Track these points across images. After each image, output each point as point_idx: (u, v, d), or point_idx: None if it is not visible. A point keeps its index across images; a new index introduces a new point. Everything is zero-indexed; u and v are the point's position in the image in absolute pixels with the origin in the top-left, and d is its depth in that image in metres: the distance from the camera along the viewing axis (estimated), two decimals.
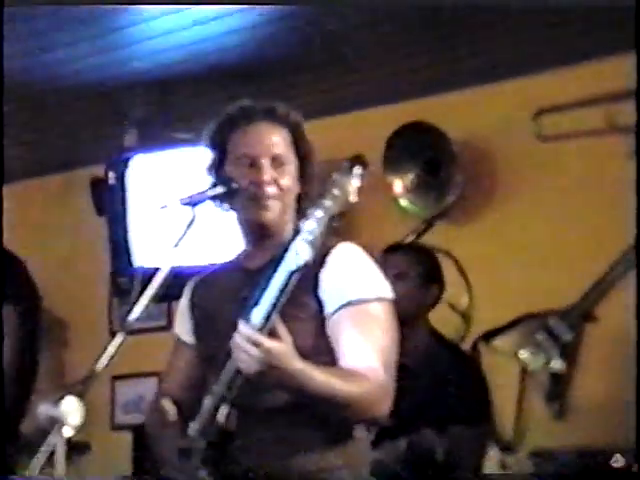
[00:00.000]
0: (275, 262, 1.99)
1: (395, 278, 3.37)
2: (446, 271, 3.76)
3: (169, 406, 2.26)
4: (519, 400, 4.07)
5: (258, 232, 2.31)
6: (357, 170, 1.91)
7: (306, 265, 1.91)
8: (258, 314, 1.97)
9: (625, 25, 3.64)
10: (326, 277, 2.18)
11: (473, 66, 4.17)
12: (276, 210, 2.27)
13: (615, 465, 3.51)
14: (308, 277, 2.06)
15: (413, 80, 4.29)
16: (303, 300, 2.07)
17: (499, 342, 4.12)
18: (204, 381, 2.27)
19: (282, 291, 1.94)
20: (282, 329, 1.99)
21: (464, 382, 3.35)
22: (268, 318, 1.96)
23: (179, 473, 2.15)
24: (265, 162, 2.27)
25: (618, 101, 3.98)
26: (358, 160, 1.91)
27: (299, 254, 1.90)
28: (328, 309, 2.19)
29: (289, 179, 2.29)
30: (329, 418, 2.16)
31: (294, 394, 2.08)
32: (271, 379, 2.01)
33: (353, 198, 1.90)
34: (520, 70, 4.16)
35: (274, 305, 1.95)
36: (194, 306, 2.42)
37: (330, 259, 2.19)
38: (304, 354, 2.04)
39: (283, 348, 1.98)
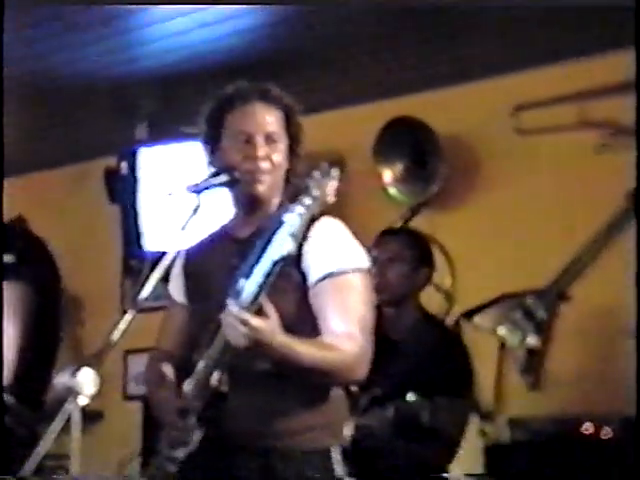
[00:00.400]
0: (262, 232, 2.02)
1: (389, 261, 3.37)
2: None
3: (168, 370, 2.27)
4: (497, 373, 4.09)
5: (250, 203, 2.31)
6: (334, 172, 1.93)
7: (289, 255, 1.93)
8: (247, 291, 1.99)
9: (600, 26, 3.67)
10: (309, 250, 2.19)
11: (457, 65, 4.17)
12: (268, 183, 2.28)
13: (585, 432, 3.54)
14: None
15: (402, 78, 4.29)
16: (287, 272, 2.08)
17: (479, 319, 4.13)
18: (196, 339, 2.27)
19: (267, 277, 1.96)
20: (269, 307, 2.01)
21: (450, 357, 3.34)
22: (256, 298, 1.98)
23: (177, 432, 2.16)
24: (259, 139, 2.28)
25: (590, 98, 3.99)
26: (336, 162, 1.94)
27: (282, 246, 1.92)
28: (310, 280, 2.20)
29: (280, 156, 2.30)
30: (311, 382, 2.18)
31: (279, 365, 2.10)
32: (258, 353, 2.04)
33: (330, 199, 1.93)
34: (500, 69, 4.17)
35: (260, 288, 1.98)
36: (188, 271, 2.41)
37: (312, 233, 2.18)
38: (288, 322, 2.06)
39: (269, 325, 2.00)
